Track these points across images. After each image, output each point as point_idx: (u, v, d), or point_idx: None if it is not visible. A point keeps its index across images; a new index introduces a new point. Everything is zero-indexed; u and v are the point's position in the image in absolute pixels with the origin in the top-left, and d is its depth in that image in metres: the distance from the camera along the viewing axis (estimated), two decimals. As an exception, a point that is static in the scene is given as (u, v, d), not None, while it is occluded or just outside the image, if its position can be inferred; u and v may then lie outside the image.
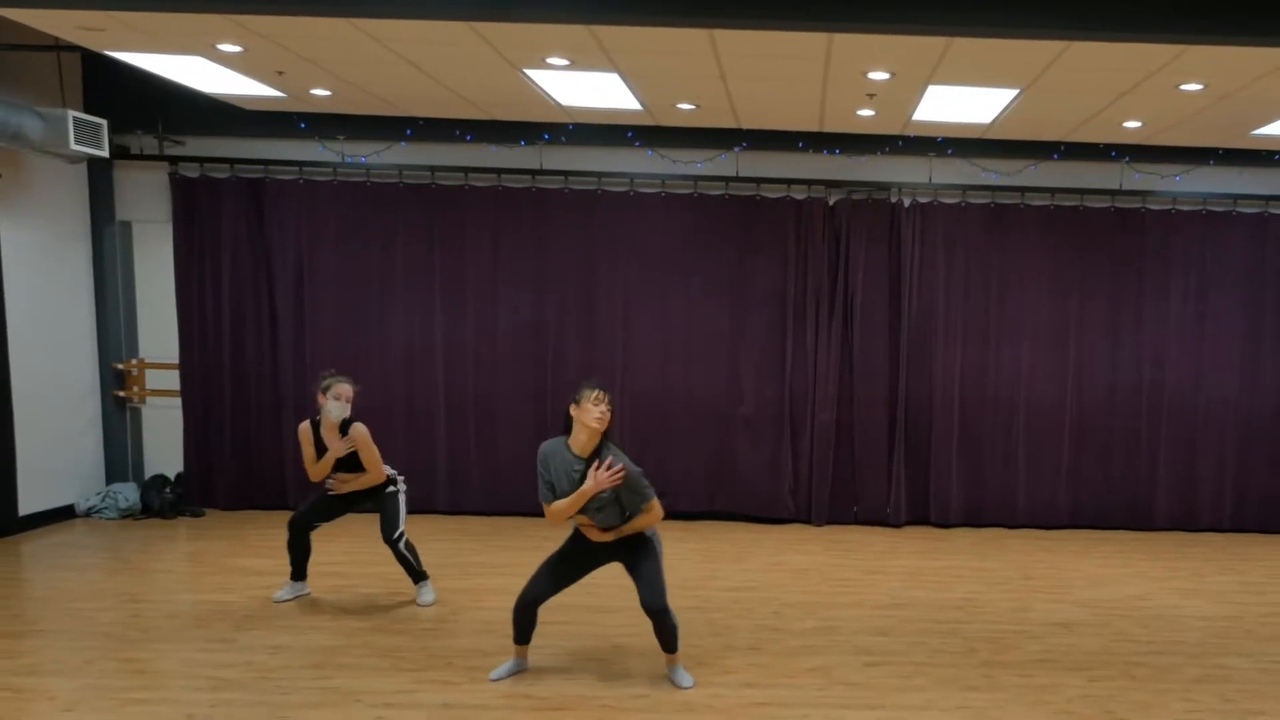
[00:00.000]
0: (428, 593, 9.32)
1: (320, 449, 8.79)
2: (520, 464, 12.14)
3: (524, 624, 7.41)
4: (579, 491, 6.86)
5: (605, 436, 7.08)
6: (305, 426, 8.94)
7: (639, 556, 7.28)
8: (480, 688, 7.22)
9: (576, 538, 7.38)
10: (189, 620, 8.49)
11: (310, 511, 9.15)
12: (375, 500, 9.16)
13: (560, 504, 6.97)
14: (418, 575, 9.28)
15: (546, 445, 7.15)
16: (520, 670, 7.51)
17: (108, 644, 7.87)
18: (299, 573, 9.27)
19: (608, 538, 7.17)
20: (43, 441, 11.75)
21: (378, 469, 8.97)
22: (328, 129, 12.36)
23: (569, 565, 7.40)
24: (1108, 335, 12.88)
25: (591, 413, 6.85)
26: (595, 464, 6.90)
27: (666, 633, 7.29)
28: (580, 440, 6.96)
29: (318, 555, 9.03)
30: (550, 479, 7.03)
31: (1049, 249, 12.74)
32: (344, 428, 8.81)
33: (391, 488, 9.12)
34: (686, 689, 7.23)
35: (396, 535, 8.99)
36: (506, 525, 11.93)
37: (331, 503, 9.13)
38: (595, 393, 6.96)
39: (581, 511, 7.03)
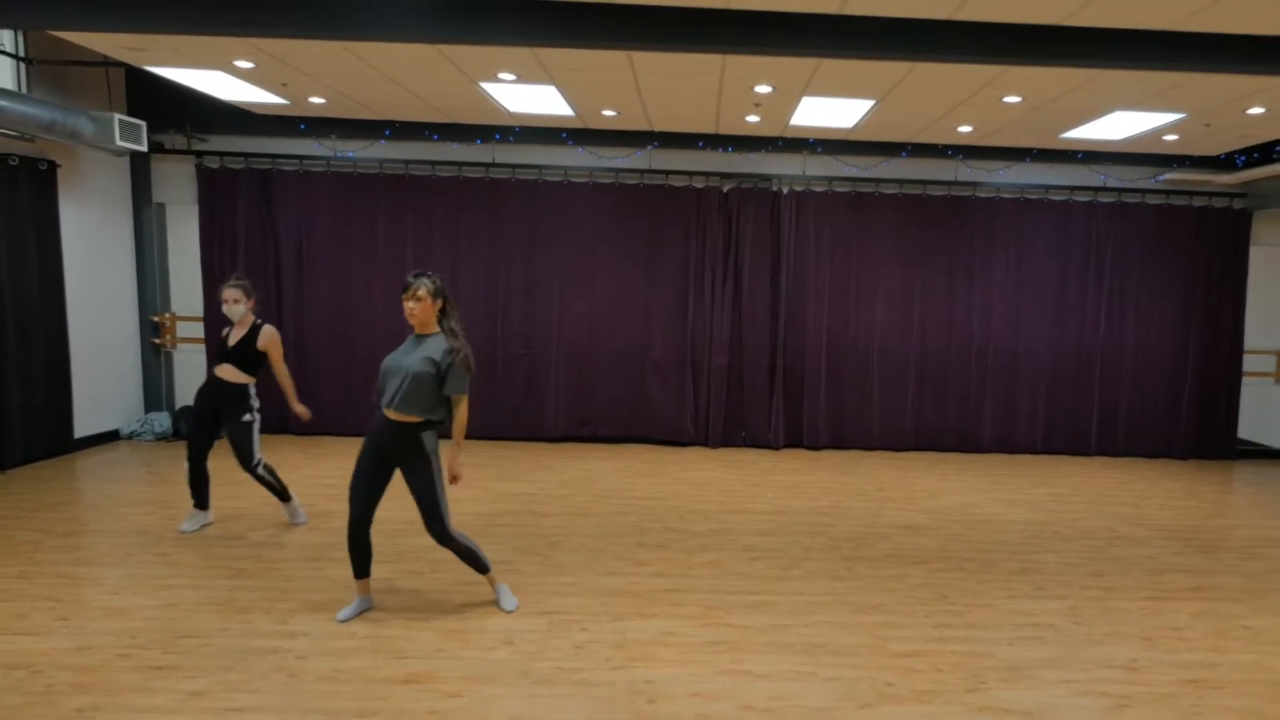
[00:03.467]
0: (298, 514, 8.62)
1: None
2: (476, 397, 12.47)
3: (358, 553, 6.43)
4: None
5: (441, 327, 6.23)
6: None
7: (415, 473, 6.32)
8: (440, 575, 7.19)
9: (365, 446, 6.37)
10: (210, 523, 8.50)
11: (197, 444, 8.29)
12: (230, 426, 8.14)
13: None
14: (282, 496, 8.50)
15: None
16: (366, 609, 6.53)
17: (145, 541, 7.94)
18: (201, 503, 8.44)
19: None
20: (93, 378, 11.84)
21: (284, 378, 8.32)
22: (323, 130, 12.41)
23: (365, 475, 6.34)
24: (944, 297, 13.04)
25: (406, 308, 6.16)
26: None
27: (462, 557, 6.59)
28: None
29: (311, 471, 8.90)
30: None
31: (898, 228, 12.88)
32: (255, 331, 8.13)
33: (247, 416, 8.13)
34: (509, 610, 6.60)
35: (254, 463, 8.22)
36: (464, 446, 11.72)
37: (197, 428, 8.27)
38: (406, 290, 6.16)
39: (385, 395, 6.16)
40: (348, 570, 7.12)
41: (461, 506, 9.08)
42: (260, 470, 8.31)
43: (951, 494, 10.76)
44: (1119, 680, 5.68)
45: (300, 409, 8.37)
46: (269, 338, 8.15)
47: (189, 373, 13.03)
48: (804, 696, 5.31)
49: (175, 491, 9.77)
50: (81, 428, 11.69)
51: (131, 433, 12.44)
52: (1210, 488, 11.56)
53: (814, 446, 13.21)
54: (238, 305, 8.06)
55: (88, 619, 6.18)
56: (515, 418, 13.03)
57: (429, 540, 7.90)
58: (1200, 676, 5.79)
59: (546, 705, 5.10)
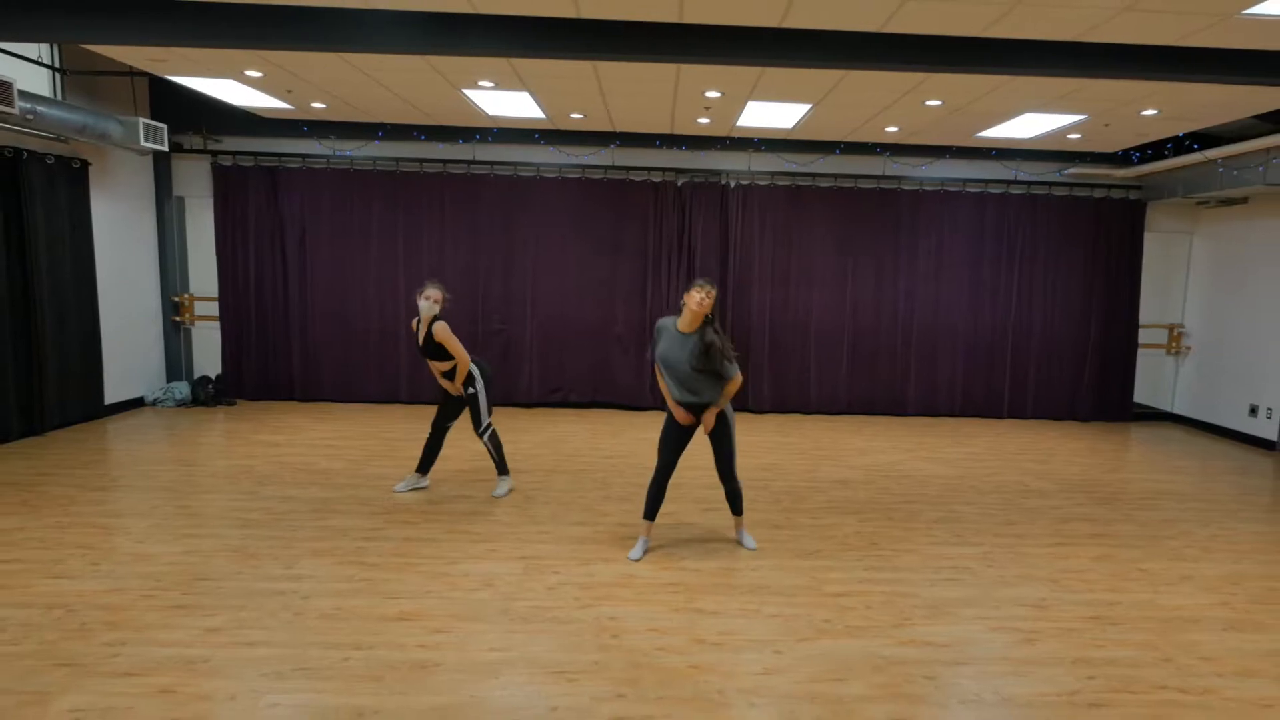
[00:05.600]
0: (503, 486, 8.25)
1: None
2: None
3: (653, 499, 6.67)
4: (673, 404, 6.38)
5: (706, 320, 6.27)
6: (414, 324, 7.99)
7: (718, 434, 6.56)
8: (430, 524, 7.18)
9: (670, 419, 6.54)
10: (225, 479, 8.51)
11: (439, 413, 8.24)
12: (463, 400, 8.13)
13: (661, 382, 6.45)
14: (500, 467, 8.27)
15: (662, 320, 6.39)
16: (647, 549, 6.77)
17: (168, 495, 7.93)
18: (424, 467, 8.32)
19: (689, 419, 6.42)
20: (121, 352, 11.80)
21: (460, 357, 7.83)
22: (323, 131, 12.33)
23: (672, 440, 6.50)
24: (873, 279, 13.05)
25: (693, 298, 6.15)
26: (702, 421, 6.45)
27: (733, 498, 6.84)
28: (685, 320, 6.24)
29: (314, 433, 8.74)
30: (655, 344, 6.33)
31: (832, 218, 12.87)
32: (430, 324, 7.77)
33: (470, 389, 7.98)
34: (750, 549, 6.87)
35: (482, 429, 8.09)
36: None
37: (445, 401, 8.24)
38: (700, 284, 6.24)
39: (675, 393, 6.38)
40: (346, 522, 7.28)
41: (446, 464, 9.10)
42: (486, 439, 8.18)
43: (880, 452, 10.76)
44: (1028, 617, 5.72)
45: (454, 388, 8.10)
46: (439, 332, 7.77)
47: (205, 346, 13.05)
48: (749, 631, 5.32)
49: (195, 451, 9.74)
50: (111, 395, 11.68)
51: (155, 400, 12.39)
52: (1109, 446, 11.64)
53: (758, 411, 13.22)
54: (435, 305, 7.70)
55: (117, 564, 6.17)
56: (493, 385, 12.92)
57: (420, 495, 8.11)
58: (1101, 614, 5.83)
59: (523, 639, 5.11)
